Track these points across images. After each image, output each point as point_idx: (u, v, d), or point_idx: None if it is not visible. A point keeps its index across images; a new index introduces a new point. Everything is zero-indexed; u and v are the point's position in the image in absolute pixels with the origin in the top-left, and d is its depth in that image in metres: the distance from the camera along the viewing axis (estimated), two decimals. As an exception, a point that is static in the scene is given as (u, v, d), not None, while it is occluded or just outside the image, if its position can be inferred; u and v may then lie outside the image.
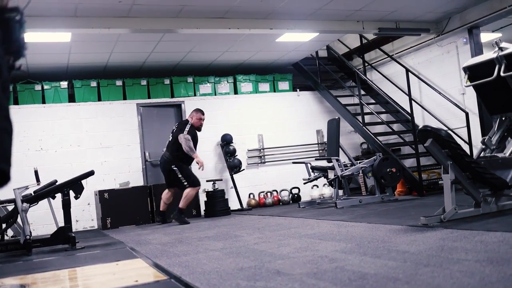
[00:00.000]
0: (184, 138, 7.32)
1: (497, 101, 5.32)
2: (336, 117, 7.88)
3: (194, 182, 7.43)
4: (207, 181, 8.52)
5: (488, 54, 5.20)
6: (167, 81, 9.26)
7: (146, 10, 6.47)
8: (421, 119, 8.79)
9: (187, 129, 7.43)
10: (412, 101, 8.09)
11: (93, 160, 8.45)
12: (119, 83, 8.96)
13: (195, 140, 7.53)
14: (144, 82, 9.11)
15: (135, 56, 8.44)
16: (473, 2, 7.49)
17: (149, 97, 9.14)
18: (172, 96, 9.30)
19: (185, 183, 7.37)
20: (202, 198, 8.51)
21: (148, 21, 6.79)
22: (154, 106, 9.26)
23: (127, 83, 9.02)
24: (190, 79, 9.41)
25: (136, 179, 8.71)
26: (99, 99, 8.82)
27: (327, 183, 8.62)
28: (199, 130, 7.66)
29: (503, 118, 5.38)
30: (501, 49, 4.94)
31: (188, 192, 7.34)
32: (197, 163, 7.40)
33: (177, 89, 9.33)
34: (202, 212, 8.49)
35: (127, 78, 9.04)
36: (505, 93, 5.05)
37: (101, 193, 7.96)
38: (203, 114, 7.69)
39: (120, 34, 7.13)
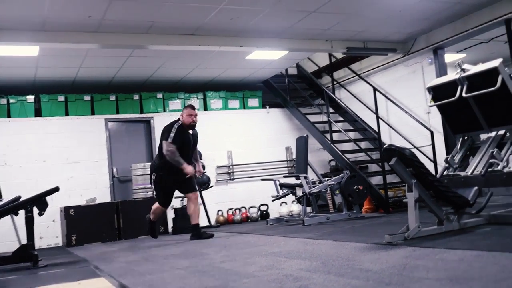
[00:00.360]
0: (166, 150, 6.33)
1: (460, 121, 5.45)
2: (305, 135, 7.93)
3: (161, 201, 6.64)
4: (175, 197, 8.46)
5: (451, 75, 5.34)
6: (136, 97, 9.21)
7: (116, 25, 6.46)
8: (388, 137, 8.93)
9: (172, 133, 6.39)
10: (379, 120, 8.22)
11: (59, 176, 8.30)
12: (87, 98, 8.87)
13: (185, 143, 6.51)
14: (113, 97, 9.04)
15: (104, 71, 8.39)
16: (437, 23, 7.70)
17: (117, 113, 9.07)
18: (141, 112, 9.25)
19: (154, 195, 6.82)
20: (170, 215, 8.45)
21: (118, 36, 6.76)
22: (123, 122, 9.19)
23: (96, 98, 8.93)
24: (159, 95, 9.38)
25: (103, 195, 8.60)
26: (67, 114, 8.71)
27: (296, 200, 8.64)
28: (192, 128, 6.60)
29: (466, 138, 5.52)
30: (463, 70, 5.08)
31: (155, 208, 6.67)
32: (187, 173, 6.40)
33: (146, 105, 9.28)
34: (170, 229, 8.43)
35: (95, 93, 8.96)
36: (467, 114, 5.19)
37: (66, 209, 7.82)
38: (193, 108, 6.64)
39: (89, 49, 7.08)
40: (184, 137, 6.50)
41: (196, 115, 6.65)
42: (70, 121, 8.67)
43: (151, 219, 6.80)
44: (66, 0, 5.56)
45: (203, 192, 8.94)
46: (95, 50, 7.13)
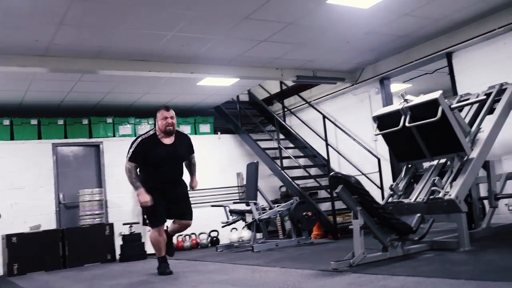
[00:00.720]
0: (125, 168, 5.25)
1: (404, 150, 5.64)
2: (255, 161, 7.99)
3: (152, 220, 5.33)
4: (124, 224, 8.32)
5: (395, 105, 5.54)
6: (85, 121, 9.06)
7: (64, 50, 6.37)
8: (337, 164, 9.09)
9: (132, 149, 5.27)
10: (329, 146, 8.38)
11: (1, 202, 8.00)
12: (34, 122, 8.65)
13: (158, 158, 5.27)
14: (61, 122, 8.85)
15: (52, 95, 8.22)
16: (383, 55, 7.96)
17: (66, 137, 8.88)
18: (91, 137, 9.09)
19: (146, 220, 5.39)
20: (118, 242, 8.27)
21: (67, 60, 6.66)
22: (71, 146, 9.01)
23: (43, 122, 8.73)
24: (109, 120, 9.25)
25: (49, 222, 8.32)
26: (12, 138, 8.45)
27: (246, 226, 8.64)
28: (169, 133, 5.35)
29: (409, 166, 5.71)
30: (406, 101, 5.28)
31: (153, 238, 5.36)
32: (139, 202, 5.24)
33: (95, 130, 9.13)
34: (118, 256, 8.23)
35: (43, 117, 8.75)
36: (411, 142, 5.37)
37: (8, 237, 7.53)
38: (167, 109, 5.38)
39: (37, 73, 6.94)
40: (153, 150, 5.28)
41: (172, 117, 5.37)
42: (15, 146, 8.42)
43: (161, 256, 5.44)
44: (12, 23, 5.45)
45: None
46: (43, 74, 6.98)
